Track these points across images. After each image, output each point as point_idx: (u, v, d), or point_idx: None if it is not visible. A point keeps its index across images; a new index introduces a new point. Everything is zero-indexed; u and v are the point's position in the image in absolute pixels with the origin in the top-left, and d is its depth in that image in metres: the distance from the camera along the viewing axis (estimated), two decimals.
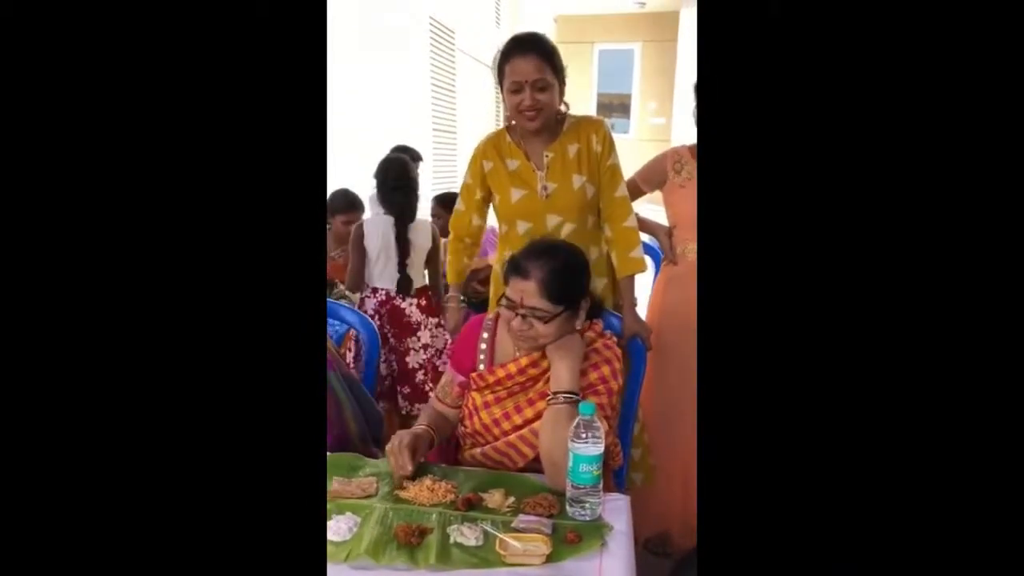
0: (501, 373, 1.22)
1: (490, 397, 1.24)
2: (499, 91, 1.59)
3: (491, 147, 1.64)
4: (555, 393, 1.13)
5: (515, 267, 1.17)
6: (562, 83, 1.56)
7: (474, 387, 1.26)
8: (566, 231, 1.58)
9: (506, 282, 1.18)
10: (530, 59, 1.50)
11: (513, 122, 1.61)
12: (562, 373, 1.14)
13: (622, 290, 1.66)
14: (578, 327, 1.20)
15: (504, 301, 1.17)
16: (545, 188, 1.58)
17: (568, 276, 1.16)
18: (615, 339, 1.29)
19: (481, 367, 1.28)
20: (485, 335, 1.30)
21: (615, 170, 1.61)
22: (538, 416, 1.18)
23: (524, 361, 1.21)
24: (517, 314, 1.15)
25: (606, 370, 1.21)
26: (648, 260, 2.75)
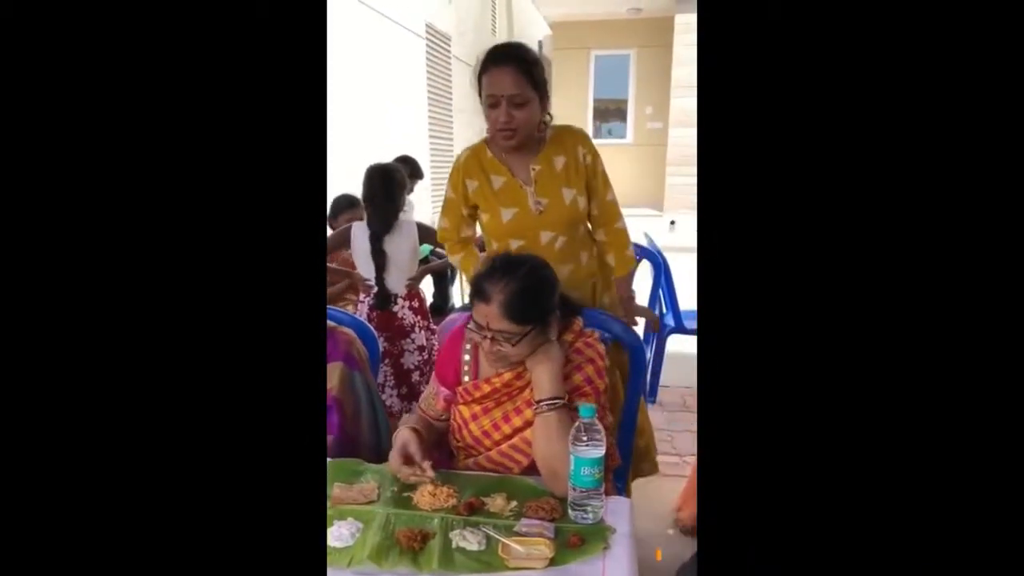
0: (487, 388, 1.21)
1: (477, 409, 1.23)
2: (480, 102, 1.54)
3: (473, 164, 1.58)
4: (539, 401, 1.13)
5: (477, 291, 1.14)
6: (543, 97, 1.51)
7: (460, 401, 1.24)
8: (559, 244, 1.58)
9: (472, 305, 1.16)
10: (507, 72, 1.44)
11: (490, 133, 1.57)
12: (543, 380, 1.13)
13: (622, 285, 1.71)
14: (552, 338, 1.17)
15: (472, 324, 1.16)
16: (539, 203, 1.54)
17: (530, 296, 1.12)
18: (596, 335, 1.27)
19: (466, 379, 1.26)
20: (468, 346, 1.27)
21: (605, 176, 1.62)
22: (527, 424, 1.18)
23: (508, 375, 1.19)
24: (485, 337, 1.13)
25: (590, 370, 1.20)
26: (646, 263, 2.79)
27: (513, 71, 1.44)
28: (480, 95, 1.51)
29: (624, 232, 1.67)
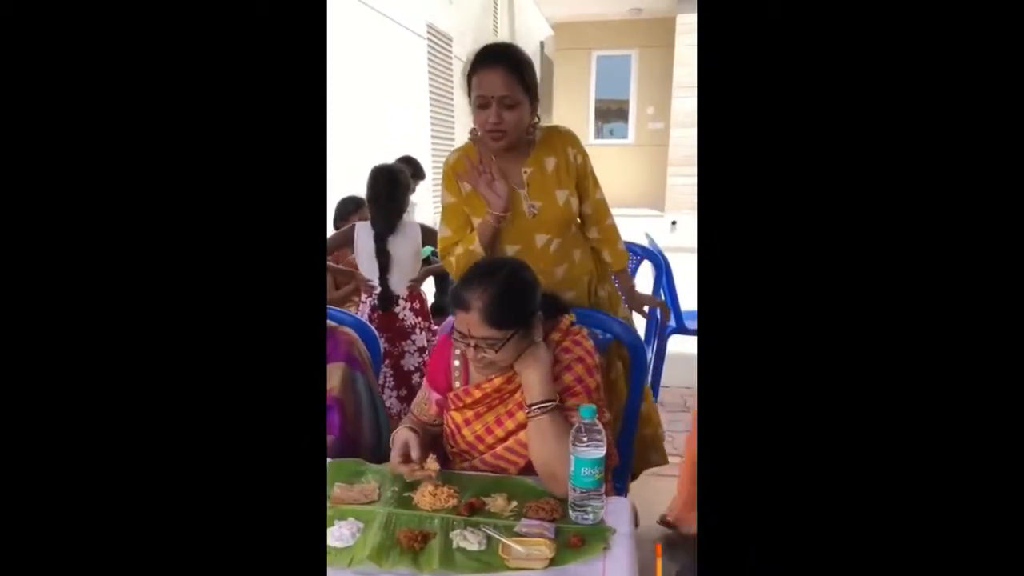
0: (477, 394, 1.20)
1: (469, 415, 1.22)
2: (468, 102, 1.50)
3: (465, 166, 1.53)
4: (531, 405, 1.12)
5: (456, 299, 1.14)
6: (534, 99, 1.49)
7: (452, 407, 1.24)
8: (553, 246, 1.56)
9: (453, 314, 1.16)
10: (498, 73, 1.41)
11: (479, 134, 1.53)
12: (532, 383, 1.13)
13: (623, 278, 1.75)
14: (537, 339, 1.16)
15: (455, 334, 1.16)
16: (532, 206, 1.52)
17: (509, 300, 1.12)
18: (585, 332, 1.26)
19: (456, 384, 1.26)
20: (457, 352, 1.27)
21: (594, 175, 1.62)
22: (520, 426, 1.18)
23: (498, 380, 1.19)
24: (468, 345, 1.13)
25: (579, 369, 1.19)
26: (647, 264, 2.80)
27: (504, 72, 1.42)
28: (469, 95, 1.48)
29: (615, 228, 1.67)
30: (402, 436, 1.17)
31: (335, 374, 1.39)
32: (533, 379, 1.13)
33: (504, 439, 1.20)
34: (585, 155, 1.59)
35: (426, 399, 1.30)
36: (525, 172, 1.53)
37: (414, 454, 1.13)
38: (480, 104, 1.44)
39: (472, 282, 1.14)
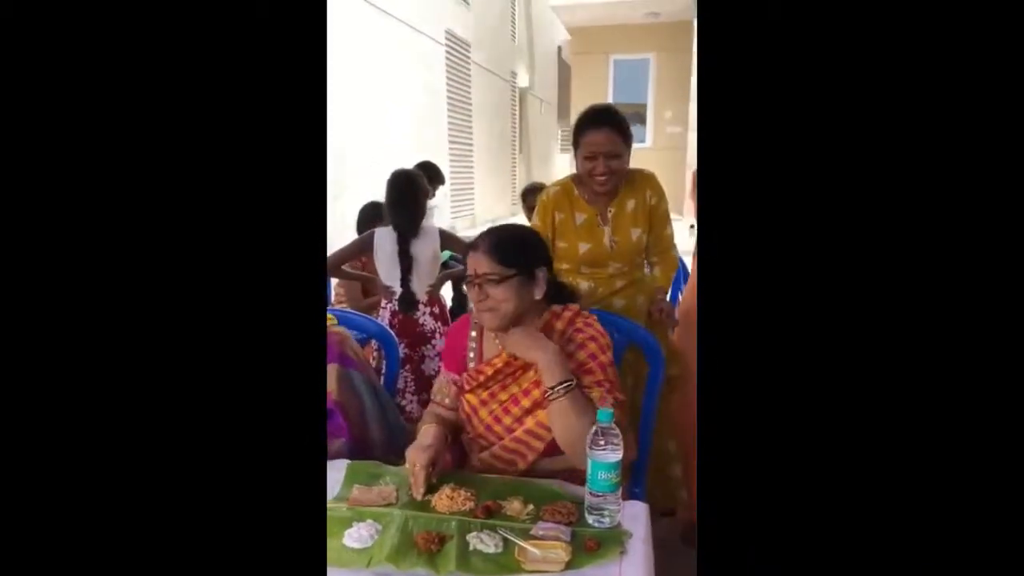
0: (489, 370, 1.24)
1: (484, 395, 1.26)
2: (574, 154, 1.82)
3: (563, 199, 1.86)
4: (552, 388, 1.14)
5: (471, 245, 1.26)
6: (629, 149, 1.78)
7: (467, 388, 1.27)
8: (622, 271, 1.86)
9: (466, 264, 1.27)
10: (604, 132, 1.73)
11: (585, 178, 1.82)
12: (547, 366, 1.15)
13: (661, 292, 1.95)
14: (537, 296, 1.24)
15: (468, 277, 1.25)
16: (613, 241, 1.83)
17: (515, 242, 1.25)
18: (595, 318, 1.31)
19: (471, 365, 1.30)
20: (473, 334, 1.33)
21: (666, 214, 1.91)
22: (535, 405, 1.21)
23: (506, 354, 1.23)
24: (474, 285, 1.22)
25: (593, 347, 1.23)
26: None
27: (609, 131, 1.73)
28: (575, 149, 1.80)
29: (674, 259, 1.97)
30: (427, 444, 1.17)
31: (330, 377, 1.39)
32: (545, 361, 1.16)
33: (520, 418, 1.23)
34: (661, 196, 1.89)
35: (446, 382, 1.34)
36: (610, 211, 1.85)
37: (421, 475, 1.12)
38: (588, 156, 1.75)
39: (485, 232, 1.28)
